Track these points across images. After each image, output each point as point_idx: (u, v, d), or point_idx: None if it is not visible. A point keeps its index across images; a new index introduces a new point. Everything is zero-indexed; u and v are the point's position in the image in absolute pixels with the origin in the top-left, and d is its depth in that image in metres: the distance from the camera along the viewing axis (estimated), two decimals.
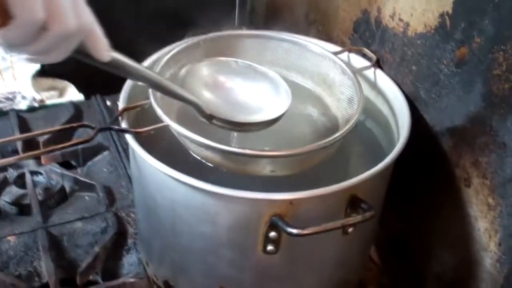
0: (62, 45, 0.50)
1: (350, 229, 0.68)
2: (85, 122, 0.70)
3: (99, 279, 0.91)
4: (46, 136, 1.07)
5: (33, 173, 1.07)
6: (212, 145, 0.67)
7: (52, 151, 0.67)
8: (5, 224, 0.97)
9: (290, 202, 0.65)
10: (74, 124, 0.71)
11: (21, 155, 0.68)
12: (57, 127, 0.69)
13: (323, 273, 0.77)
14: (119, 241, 0.96)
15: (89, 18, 0.51)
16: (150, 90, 0.74)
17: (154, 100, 0.72)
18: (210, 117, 0.69)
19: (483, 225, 0.73)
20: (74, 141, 0.67)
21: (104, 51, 0.54)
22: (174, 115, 0.77)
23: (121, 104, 0.75)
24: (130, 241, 0.96)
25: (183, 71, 0.72)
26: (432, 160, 0.81)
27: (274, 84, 0.74)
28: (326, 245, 0.72)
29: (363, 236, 0.79)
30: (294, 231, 0.62)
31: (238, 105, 0.72)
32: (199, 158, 0.72)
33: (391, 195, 0.79)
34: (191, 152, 0.73)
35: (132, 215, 0.99)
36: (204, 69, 0.74)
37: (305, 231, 0.62)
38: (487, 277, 0.74)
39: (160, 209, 0.73)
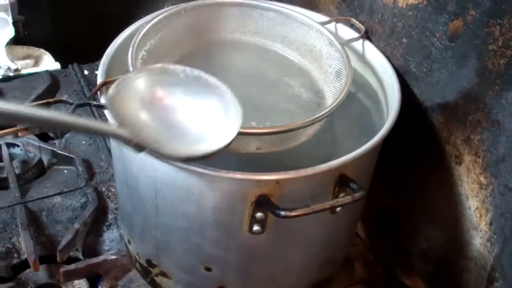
0: None
1: (338, 209, 0.66)
2: (62, 98, 0.66)
3: (79, 255, 0.88)
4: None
5: (9, 145, 1.03)
6: None
7: (28, 128, 0.63)
8: None
9: (277, 182, 0.63)
10: (51, 100, 0.67)
11: None
12: (33, 103, 0.66)
13: (310, 251, 0.75)
14: (99, 217, 0.94)
15: None
16: (129, 62, 0.71)
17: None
18: (138, 147, 0.55)
19: (474, 203, 0.72)
20: None
21: None
22: None
23: (99, 78, 0.71)
24: (110, 216, 0.94)
25: (115, 83, 0.57)
26: (422, 135, 0.79)
27: (223, 103, 0.60)
28: (313, 224, 0.70)
29: (350, 215, 0.77)
30: (282, 213, 0.60)
31: (177, 131, 0.58)
32: None
33: (379, 170, 0.77)
34: None
35: (113, 190, 0.97)
36: (142, 81, 0.59)
37: (293, 213, 0.60)
38: (477, 256, 0.73)
39: (142, 188, 0.71)
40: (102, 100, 0.69)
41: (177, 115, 0.59)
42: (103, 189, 0.97)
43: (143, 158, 0.66)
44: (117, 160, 0.76)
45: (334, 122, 0.79)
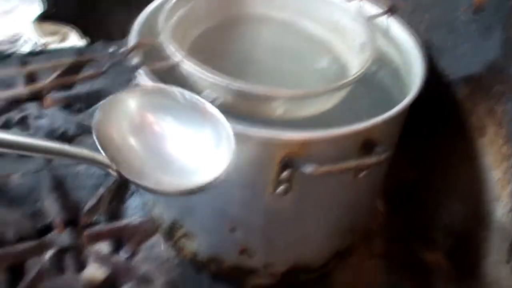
0: None
1: (362, 173, 0.68)
2: (94, 56, 0.68)
3: (103, 221, 0.90)
4: (49, 81, 1.05)
5: (36, 117, 1.06)
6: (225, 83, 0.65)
7: (58, 87, 0.64)
8: (9, 163, 0.97)
9: (303, 142, 0.64)
10: (83, 59, 0.69)
11: (25, 89, 0.65)
12: (67, 62, 0.67)
13: (332, 216, 0.77)
14: (123, 185, 0.95)
15: None
16: (160, 27, 0.72)
17: (166, 37, 0.71)
18: (120, 175, 0.52)
19: (496, 174, 0.72)
20: (84, 74, 0.65)
21: None
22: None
23: (133, 39, 0.73)
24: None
25: (102, 102, 0.57)
26: (446, 108, 0.80)
27: (217, 134, 0.56)
28: (336, 188, 0.72)
29: (372, 181, 0.78)
30: (308, 169, 0.62)
31: (163, 160, 0.55)
32: None
33: (402, 143, 0.78)
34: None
35: None
36: (134, 101, 0.57)
37: (319, 170, 0.62)
38: (498, 227, 0.73)
39: None
40: (135, 62, 0.70)
41: (165, 143, 0.56)
42: None
43: None
44: None
45: (357, 95, 0.80)
